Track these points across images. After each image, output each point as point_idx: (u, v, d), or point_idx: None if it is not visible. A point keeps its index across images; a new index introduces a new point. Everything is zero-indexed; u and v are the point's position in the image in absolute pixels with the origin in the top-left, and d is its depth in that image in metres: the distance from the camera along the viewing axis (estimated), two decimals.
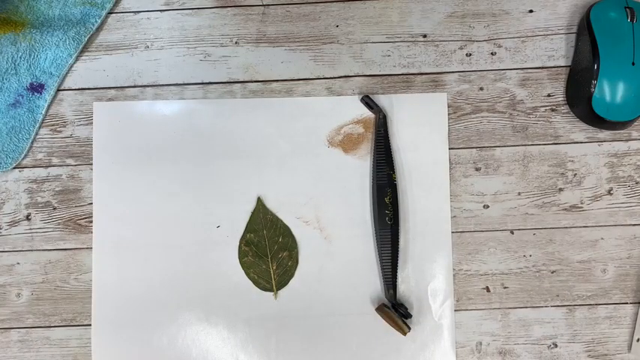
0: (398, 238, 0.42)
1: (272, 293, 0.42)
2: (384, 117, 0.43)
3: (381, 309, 0.41)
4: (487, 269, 0.43)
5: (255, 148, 0.43)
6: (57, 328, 0.43)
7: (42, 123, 0.44)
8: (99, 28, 0.45)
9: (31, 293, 0.43)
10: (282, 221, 0.42)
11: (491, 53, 0.44)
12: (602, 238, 0.43)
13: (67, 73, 0.44)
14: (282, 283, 0.42)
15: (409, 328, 0.40)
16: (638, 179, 0.43)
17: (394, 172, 0.42)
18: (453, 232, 0.42)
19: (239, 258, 0.42)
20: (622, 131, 0.43)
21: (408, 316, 0.41)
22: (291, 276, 0.42)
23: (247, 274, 0.42)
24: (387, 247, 0.41)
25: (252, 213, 0.43)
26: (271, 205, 0.43)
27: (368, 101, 0.43)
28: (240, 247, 0.42)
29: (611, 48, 0.41)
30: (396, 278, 0.41)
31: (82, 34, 0.44)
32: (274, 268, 0.42)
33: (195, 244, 0.43)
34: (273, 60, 0.44)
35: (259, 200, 0.43)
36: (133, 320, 0.42)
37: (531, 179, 0.43)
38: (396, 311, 0.40)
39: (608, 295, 0.42)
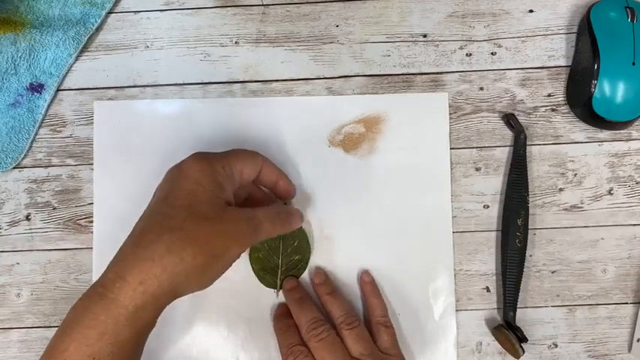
0: (524, 261, 0.41)
1: (274, 290, 0.42)
2: (525, 137, 0.42)
3: (498, 329, 0.41)
4: (487, 269, 0.43)
5: (254, 148, 0.43)
6: (57, 328, 0.42)
7: (42, 123, 0.44)
8: (99, 28, 0.45)
9: (31, 293, 0.43)
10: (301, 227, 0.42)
11: (492, 53, 0.44)
12: (602, 238, 0.43)
13: (66, 73, 0.44)
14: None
15: (523, 352, 0.40)
16: (638, 179, 0.43)
17: (528, 194, 0.42)
18: (453, 232, 0.42)
19: (250, 252, 0.42)
20: (622, 131, 0.43)
21: (525, 339, 0.40)
22: (299, 276, 0.42)
23: (253, 269, 0.42)
24: (514, 270, 0.41)
25: None
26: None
27: (511, 120, 0.42)
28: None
29: (612, 48, 0.41)
30: (517, 301, 0.41)
31: (81, 34, 0.44)
32: (283, 268, 0.42)
33: None
34: (273, 60, 0.44)
35: (287, 201, 0.42)
36: None
37: (531, 179, 0.43)
38: (514, 334, 0.40)
39: (608, 296, 0.42)
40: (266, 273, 0.42)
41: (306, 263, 0.42)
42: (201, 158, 0.34)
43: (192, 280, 0.31)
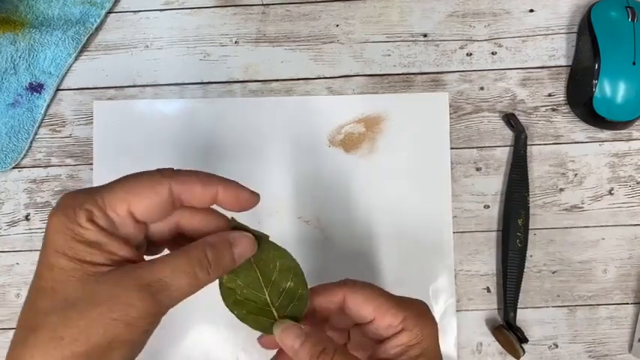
0: (525, 262, 0.41)
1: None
2: (526, 137, 0.42)
3: (499, 330, 0.41)
4: (488, 269, 0.42)
5: (255, 148, 0.43)
6: None
7: (41, 123, 0.44)
8: (98, 28, 0.45)
9: None
10: (272, 242, 0.29)
11: (492, 53, 0.44)
12: (603, 239, 0.43)
13: (66, 73, 0.44)
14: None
15: (524, 352, 0.40)
16: (639, 179, 0.43)
17: (529, 194, 0.42)
18: (453, 232, 0.42)
19: (224, 299, 0.28)
20: (623, 131, 0.43)
21: (525, 340, 0.40)
22: (303, 309, 0.29)
23: (240, 317, 0.28)
24: (515, 270, 0.41)
25: None
26: (272, 205, 0.42)
27: (511, 119, 0.42)
28: (221, 284, 0.28)
29: (612, 47, 0.41)
30: (518, 301, 0.41)
31: (81, 34, 0.44)
32: (277, 305, 0.28)
33: None
34: (273, 60, 0.44)
35: (232, 221, 0.29)
36: None
37: (532, 179, 0.43)
38: (514, 334, 0.40)
39: (609, 296, 0.42)
40: (257, 315, 0.28)
41: (306, 288, 0.29)
42: (62, 210, 0.24)
43: None
